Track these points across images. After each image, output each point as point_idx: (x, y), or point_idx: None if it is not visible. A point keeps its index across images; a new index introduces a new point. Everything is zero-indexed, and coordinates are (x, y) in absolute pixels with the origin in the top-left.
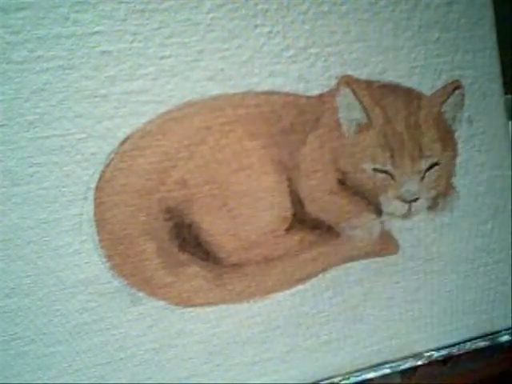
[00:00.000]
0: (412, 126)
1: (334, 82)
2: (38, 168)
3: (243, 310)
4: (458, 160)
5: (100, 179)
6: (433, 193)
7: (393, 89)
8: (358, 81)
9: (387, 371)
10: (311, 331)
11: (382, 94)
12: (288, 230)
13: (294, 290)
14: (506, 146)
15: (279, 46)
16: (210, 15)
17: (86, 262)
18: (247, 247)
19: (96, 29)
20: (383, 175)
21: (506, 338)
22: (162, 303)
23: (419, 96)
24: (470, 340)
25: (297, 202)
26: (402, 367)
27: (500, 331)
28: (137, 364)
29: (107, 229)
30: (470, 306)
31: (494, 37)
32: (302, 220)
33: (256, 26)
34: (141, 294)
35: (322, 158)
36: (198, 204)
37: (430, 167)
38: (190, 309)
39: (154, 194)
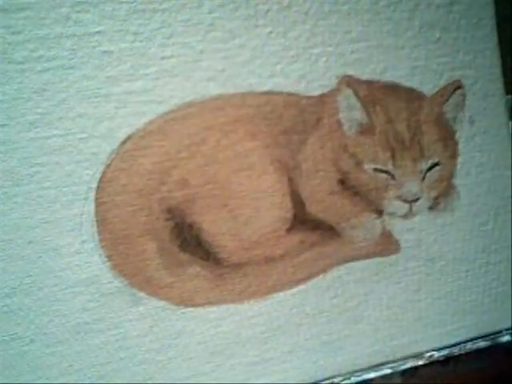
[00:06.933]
0: (413, 126)
1: (334, 82)
2: (39, 168)
3: (244, 310)
4: (459, 160)
5: (101, 179)
6: (433, 193)
7: (394, 89)
8: (358, 81)
9: (388, 371)
10: (312, 331)
11: (383, 94)
12: (289, 230)
13: (294, 290)
14: (506, 146)
15: (280, 46)
16: (211, 15)
17: (87, 262)
18: (248, 247)
19: (97, 29)
20: (384, 175)
21: (506, 338)
22: (162, 303)
23: (420, 96)
24: (470, 340)
25: (298, 202)
26: (403, 367)
27: (501, 331)
28: (137, 364)
29: (108, 229)
30: (471, 306)
31: (495, 37)
32: (302, 220)
33: (257, 26)
34: (141, 294)
35: (323, 158)
36: (198, 204)
37: (431, 167)
38: (191, 309)
39: (154, 193)
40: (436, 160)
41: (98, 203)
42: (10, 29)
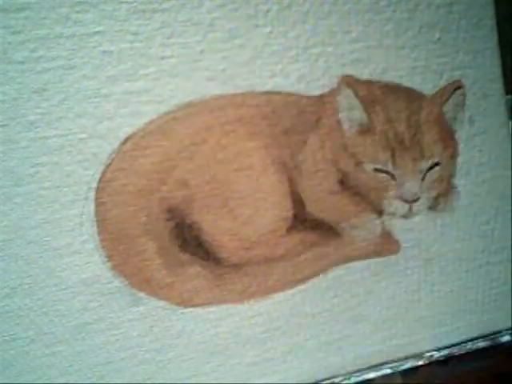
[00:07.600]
0: (413, 126)
1: (334, 82)
2: (39, 168)
3: (244, 310)
4: (459, 160)
5: (101, 179)
6: (434, 193)
7: (394, 89)
8: (358, 81)
9: (388, 371)
10: (312, 331)
11: (383, 94)
12: (289, 230)
13: (294, 289)
14: (506, 146)
15: (280, 46)
16: (211, 15)
17: (87, 262)
18: (248, 247)
19: (97, 29)
20: (384, 175)
21: (506, 338)
22: (162, 303)
23: (420, 96)
24: (470, 340)
25: (298, 202)
26: (403, 367)
27: (501, 331)
28: (137, 364)
29: (108, 229)
30: (471, 306)
31: (495, 37)
32: (302, 220)
33: (257, 26)
34: (141, 294)
35: (323, 158)
36: (198, 204)
37: (431, 167)
38: (191, 309)
39: (154, 194)
40: (436, 160)
41: (98, 203)
42: (10, 29)
